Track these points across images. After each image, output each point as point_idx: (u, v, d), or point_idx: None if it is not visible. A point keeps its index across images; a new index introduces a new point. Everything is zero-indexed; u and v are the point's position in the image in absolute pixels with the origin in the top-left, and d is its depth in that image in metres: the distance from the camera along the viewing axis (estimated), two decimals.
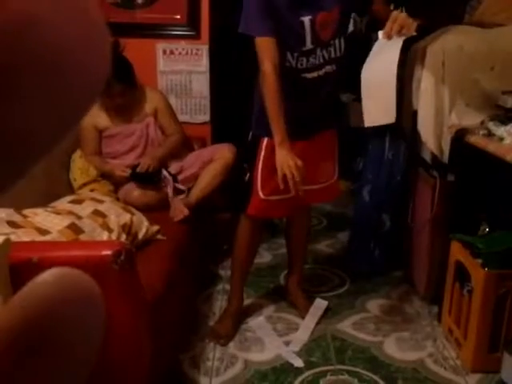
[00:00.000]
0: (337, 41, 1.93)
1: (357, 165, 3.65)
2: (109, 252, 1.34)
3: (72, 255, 1.37)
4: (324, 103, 2.06)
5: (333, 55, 1.95)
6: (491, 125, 1.79)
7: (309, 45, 1.87)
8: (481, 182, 2.10)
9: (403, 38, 1.72)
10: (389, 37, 1.69)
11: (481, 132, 1.80)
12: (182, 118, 2.98)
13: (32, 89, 0.20)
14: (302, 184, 2.10)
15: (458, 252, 2.12)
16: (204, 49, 3.09)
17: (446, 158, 2.13)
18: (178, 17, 3.07)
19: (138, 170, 2.41)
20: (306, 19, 1.84)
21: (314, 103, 2.02)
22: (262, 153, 2.05)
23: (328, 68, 1.96)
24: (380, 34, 1.72)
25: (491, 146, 1.66)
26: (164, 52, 3.10)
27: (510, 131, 1.64)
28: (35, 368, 0.23)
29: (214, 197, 2.64)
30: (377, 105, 1.82)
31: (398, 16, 1.68)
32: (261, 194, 2.06)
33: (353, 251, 2.89)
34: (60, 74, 0.21)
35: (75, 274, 0.25)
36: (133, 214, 1.99)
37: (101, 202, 1.94)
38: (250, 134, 2.11)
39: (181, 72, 3.11)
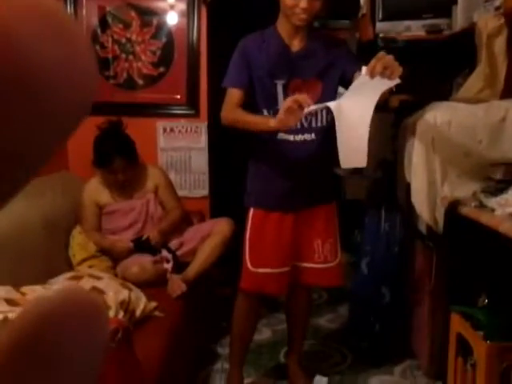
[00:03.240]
0: (319, 112, 1.93)
1: (355, 237, 3.66)
2: None
3: None
4: (313, 175, 2.03)
5: (313, 124, 1.96)
6: (482, 196, 1.83)
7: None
8: (477, 252, 2.10)
9: (386, 85, 1.61)
10: (371, 75, 1.58)
11: (473, 204, 1.83)
12: (181, 192, 3.02)
13: (13, 109, 0.19)
14: (297, 258, 2.09)
15: (458, 324, 2.09)
16: (203, 126, 3.20)
17: (440, 229, 2.15)
18: (178, 97, 3.21)
19: (151, 241, 2.44)
20: (280, 83, 1.91)
21: (300, 173, 2.00)
22: (249, 223, 2.07)
23: (307, 136, 1.96)
24: (363, 69, 1.62)
25: (483, 218, 1.69)
26: (164, 130, 3.21)
27: (500, 202, 1.68)
28: None
29: (212, 272, 2.64)
30: (350, 147, 1.75)
31: (384, 56, 1.59)
32: (249, 265, 2.05)
33: (353, 326, 2.85)
34: (42, 94, 0.20)
35: (78, 290, 0.24)
36: (131, 290, 1.99)
37: (99, 278, 1.95)
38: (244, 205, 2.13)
39: (180, 149, 3.20)
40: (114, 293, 1.87)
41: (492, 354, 1.83)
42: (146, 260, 2.42)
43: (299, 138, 1.95)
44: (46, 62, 0.20)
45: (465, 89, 2.27)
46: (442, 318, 2.24)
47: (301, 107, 1.64)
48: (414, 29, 2.80)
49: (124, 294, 1.92)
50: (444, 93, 2.81)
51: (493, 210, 1.73)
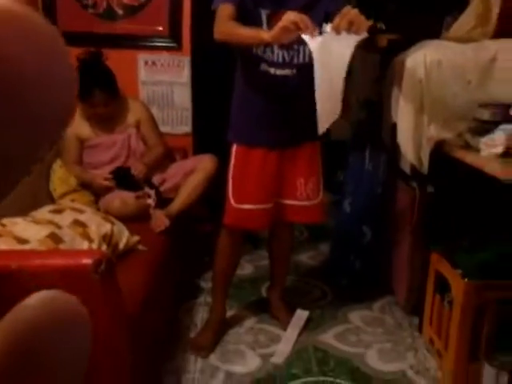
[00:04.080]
0: (301, 47, 1.88)
1: (338, 177, 3.67)
2: (89, 261, 1.33)
3: (52, 264, 1.35)
4: (297, 112, 2.00)
5: (295, 60, 1.90)
6: (468, 136, 1.83)
7: None
8: (460, 193, 2.13)
9: (355, 39, 1.58)
10: (337, 32, 1.57)
11: (459, 143, 1.83)
12: (163, 128, 2.97)
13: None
14: (279, 195, 2.08)
15: (437, 263, 2.14)
16: (186, 60, 3.10)
17: (425, 169, 2.15)
18: (160, 28, 3.09)
19: (134, 173, 2.40)
20: (264, 12, 1.84)
21: (283, 109, 1.97)
22: (232, 159, 2.05)
23: (287, 71, 1.91)
24: (327, 27, 1.59)
25: (469, 158, 1.69)
26: (146, 63, 3.10)
27: (486, 143, 1.67)
28: None
29: (195, 208, 2.63)
30: (326, 107, 1.74)
31: (349, 11, 1.56)
32: (232, 201, 2.05)
33: (334, 263, 2.90)
34: (25, 104, 0.21)
35: (60, 296, 0.25)
36: (113, 224, 1.97)
37: (81, 211, 1.92)
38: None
39: (162, 83, 3.11)
40: (96, 226, 1.86)
41: (469, 291, 1.88)
42: (128, 195, 2.40)
43: (279, 72, 1.91)
44: (32, 74, 0.21)
45: (456, 27, 2.22)
46: (421, 256, 2.30)
47: (298, 28, 1.58)
48: None
49: (106, 227, 1.91)
50: (434, 31, 2.75)
51: (478, 151, 1.73)
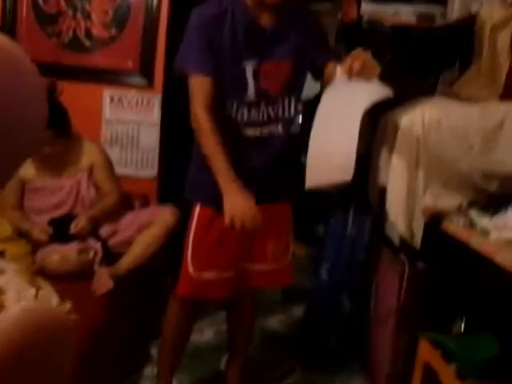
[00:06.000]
0: (286, 99, 1.71)
1: (317, 230, 3.42)
2: None
3: None
4: (274, 171, 1.80)
5: (280, 115, 1.73)
6: (473, 213, 1.56)
7: (251, 96, 1.66)
8: (457, 272, 1.85)
9: (376, 92, 1.50)
10: (349, 75, 1.45)
11: (461, 221, 1.55)
12: (125, 171, 2.71)
13: None
14: (246, 259, 1.86)
15: (427, 353, 1.85)
16: (156, 99, 2.85)
17: (417, 242, 1.89)
18: (130, 63, 2.84)
19: (71, 230, 2.13)
20: (249, 66, 1.63)
21: (259, 168, 1.76)
22: (194, 221, 1.79)
23: (273, 128, 1.73)
24: (338, 69, 1.49)
25: (475, 242, 1.42)
26: (111, 99, 2.85)
27: (497, 224, 1.40)
28: None
29: (152, 260, 2.32)
30: (331, 161, 1.60)
31: (360, 53, 1.46)
32: (191, 269, 1.78)
33: (307, 334, 2.60)
34: None
35: (36, 310, 0.33)
36: (39, 288, 1.61)
37: (0, 272, 1.58)
38: (184, 198, 1.86)
39: (128, 122, 2.85)
40: (16, 291, 1.50)
41: None
42: (69, 248, 2.11)
43: (266, 131, 1.74)
44: (2, 97, 0.25)
45: (458, 84, 2.01)
46: (407, 341, 2.03)
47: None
48: (403, 14, 2.54)
49: (30, 292, 1.54)
50: (429, 87, 2.56)
51: (485, 232, 1.45)
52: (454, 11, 2.31)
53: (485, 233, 1.44)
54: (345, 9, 2.95)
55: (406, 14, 2.53)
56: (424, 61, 2.63)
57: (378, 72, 1.47)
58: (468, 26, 2.05)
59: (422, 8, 2.51)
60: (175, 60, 1.67)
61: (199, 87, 1.60)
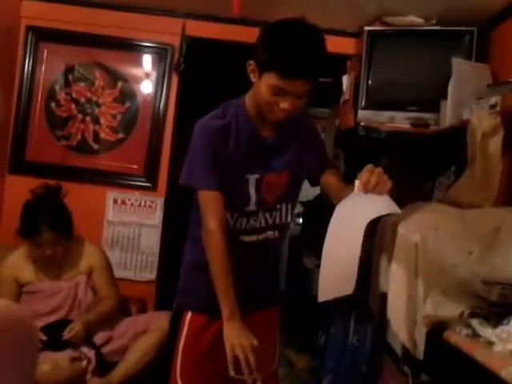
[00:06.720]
0: (284, 206, 1.71)
1: (318, 339, 3.29)
2: None
3: None
4: (267, 275, 1.78)
5: (277, 221, 1.72)
6: (475, 323, 1.50)
7: (252, 206, 1.64)
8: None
9: (387, 207, 1.51)
10: (366, 189, 1.47)
11: (463, 331, 1.49)
12: (124, 274, 2.68)
13: None
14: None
15: None
16: (159, 201, 2.89)
17: (419, 352, 1.79)
18: (135, 167, 2.92)
19: (64, 336, 2.07)
20: (252, 178, 1.63)
21: (255, 272, 1.72)
22: (185, 330, 1.70)
23: (269, 233, 1.72)
24: (356, 183, 1.49)
25: (478, 354, 1.35)
26: (115, 201, 2.88)
27: (500, 335, 1.35)
28: None
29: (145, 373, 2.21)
30: (336, 275, 1.57)
31: (375, 169, 1.47)
32: (179, 381, 1.67)
33: None
34: None
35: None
36: None
37: None
38: (174, 304, 1.77)
39: (130, 224, 2.87)
40: None
41: None
42: (61, 356, 2.02)
43: (262, 237, 1.71)
44: None
45: (454, 190, 2.02)
46: None
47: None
48: (398, 120, 2.63)
49: None
50: (425, 192, 2.59)
51: (489, 343, 1.39)
52: (447, 119, 2.38)
53: (488, 344, 1.38)
54: (342, 116, 3.06)
55: (401, 121, 2.62)
56: (419, 165, 2.69)
57: (389, 187, 1.48)
58: (460, 132, 2.10)
59: (416, 115, 2.60)
60: (181, 177, 1.62)
61: (211, 201, 1.57)
